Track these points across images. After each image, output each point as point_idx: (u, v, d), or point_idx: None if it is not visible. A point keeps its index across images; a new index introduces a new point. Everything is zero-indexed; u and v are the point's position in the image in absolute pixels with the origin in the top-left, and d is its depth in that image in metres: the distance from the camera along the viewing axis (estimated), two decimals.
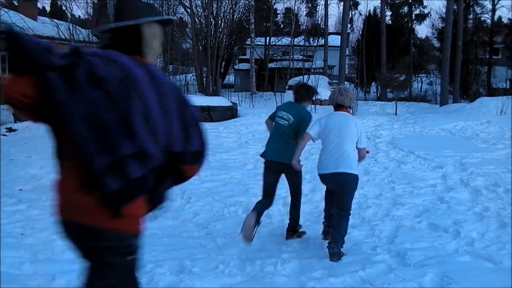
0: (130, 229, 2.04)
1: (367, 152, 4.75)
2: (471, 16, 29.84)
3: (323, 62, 28.90)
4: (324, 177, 4.68)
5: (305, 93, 5.05)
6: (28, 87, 1.79)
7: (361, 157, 4.68)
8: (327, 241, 4.64)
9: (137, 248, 2.08)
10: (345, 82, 27.35)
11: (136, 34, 2.02)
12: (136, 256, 2.08)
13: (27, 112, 1.88)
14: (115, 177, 1.84)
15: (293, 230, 5.21)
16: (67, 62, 1.80)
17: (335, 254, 4.47)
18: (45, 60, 1.77)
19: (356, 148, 4.60)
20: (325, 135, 4.60)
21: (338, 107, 4.71)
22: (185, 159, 2.10)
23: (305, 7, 34.14)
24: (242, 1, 30.71)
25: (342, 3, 27.41)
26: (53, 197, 2.10)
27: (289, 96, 23.91)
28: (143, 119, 1.87)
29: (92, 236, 1.95)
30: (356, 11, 34.70)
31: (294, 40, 30.39)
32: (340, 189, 4.59)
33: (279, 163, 4.93)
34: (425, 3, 36.10)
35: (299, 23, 36.11)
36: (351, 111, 4.86)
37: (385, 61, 28.64)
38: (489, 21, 30.93)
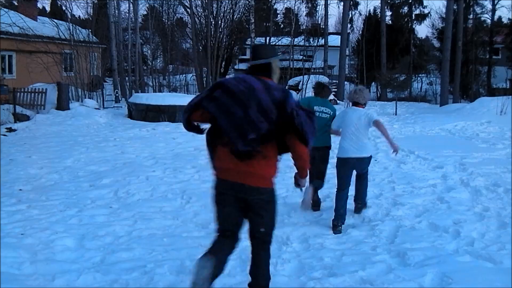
0: (272, 186, 3.35)
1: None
2: (471, 16, 29.81)
3: (323, 62, 28.89)
4: (347, 160, 5.58)
5: (328, 91, 6.40)
6: (204, 116, 3.26)
7: (380, 125, 5.56)
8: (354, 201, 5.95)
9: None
10: (345, 82, 27.35)
11: (267, 66, 3.33)
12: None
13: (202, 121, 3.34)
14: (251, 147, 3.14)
15: (316, 204, 6.21)
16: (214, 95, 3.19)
17: (359, 209, 5.87)
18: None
19: (373, 125, 5.57)
20: (345, 126, 5.65)
21: (355, 103, 5.77)
22: (291, 115, 3.13)
23: (305, 7, 34.13)
24: (242, 1, 30.72)
25: (342, 3, 27.44)
26: (217, 165, 3.34)
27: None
28: (257, 106, 3.08)
29: (257, 191, 3.26)
30: (356, 11, 34.75)
31: (294, 40, 30.36)
32: (361, 166, 5.79)
33: (314, 147, 5.40)
34: (425, 3, 36.16)
35: (299, 23, 36.06)
36: (365, 107, 5.79)
37: (385, 61, 28.66)
38: (489, 21, 30.90)
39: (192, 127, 3.37)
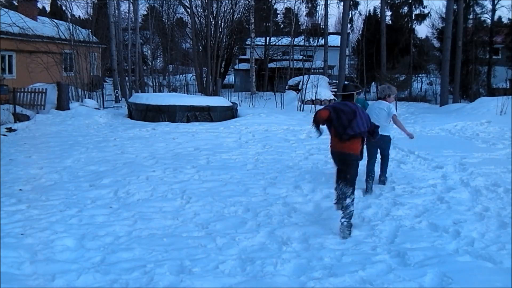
0: (357, 152, 5.60)
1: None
2: (471, 16, 29.74)
3: (323, 62, 28.85)
4: None
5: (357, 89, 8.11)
6: (326, 115, 5.59)
7: (396, 121, 7.34)
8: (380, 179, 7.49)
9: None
10: (345, 82, 27.33)
11: (351, 96, 5.84)
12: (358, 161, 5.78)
13: (323, 121, 5.64)
14: (348, 137, 5.52)
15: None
16: (333, 107, 5.70)
17: (383, 181, 7.46)
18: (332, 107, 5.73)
19: (391, 117, 7.31)
20: (371, 114, 7.03)
21: (379, 98, 7.59)
22: (370, 130, 5.78)
23: (305, 7, 34.00)
24: (242, 1, 30.74)
25: (342, 3, 27.40)
26: (331, 144, 5.71)
27: (289, 95, 23.86)
28: (358, 120, 5.51)
29: (349, 156, 5.55)
30: (356, 11, 34.56)
31: (294, 40, 30.34)
32: (383, 144, 7.28)
33: None
34: (425, 3, 36.07)
35: (299, 23, 36.07)
36: (389, 100, 7.46)
37: (385, 61, 28.61)
38: (489, 21, 30.83)
39: (318, 125, 5.62)
